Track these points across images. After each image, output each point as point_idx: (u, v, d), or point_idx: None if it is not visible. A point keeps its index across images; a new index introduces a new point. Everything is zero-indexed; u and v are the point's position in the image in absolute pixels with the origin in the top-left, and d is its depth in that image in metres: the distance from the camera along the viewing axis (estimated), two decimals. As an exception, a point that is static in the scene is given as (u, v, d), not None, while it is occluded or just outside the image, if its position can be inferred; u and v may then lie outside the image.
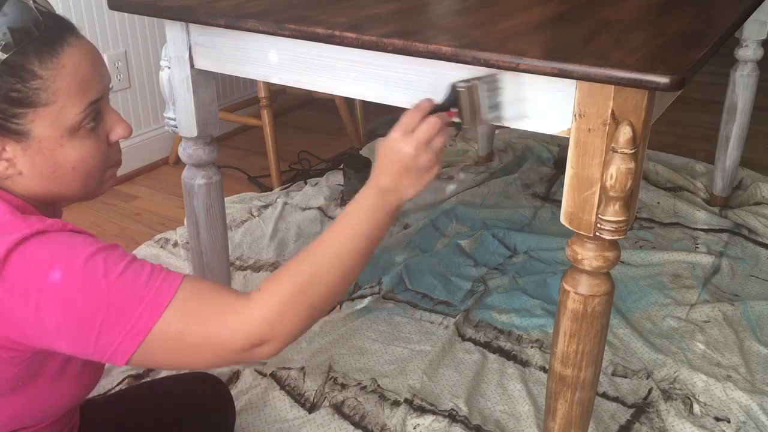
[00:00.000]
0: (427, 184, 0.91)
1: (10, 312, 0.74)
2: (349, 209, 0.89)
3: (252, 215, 2.19)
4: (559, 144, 2.61)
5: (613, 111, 0.88)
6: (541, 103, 0.95)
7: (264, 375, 1.50)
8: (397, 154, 0.88)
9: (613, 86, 0.87)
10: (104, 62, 0.85)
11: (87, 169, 0.85)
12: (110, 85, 0.87)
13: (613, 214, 0.92)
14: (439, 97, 0.95)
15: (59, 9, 2.16)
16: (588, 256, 0.98)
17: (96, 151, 0.85)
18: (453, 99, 0.93)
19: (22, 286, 0.74)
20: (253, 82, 2.93)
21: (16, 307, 0.74)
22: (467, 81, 0.94)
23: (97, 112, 0.84)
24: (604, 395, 1.46)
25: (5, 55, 0.75)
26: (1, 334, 0.76)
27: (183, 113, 1.33)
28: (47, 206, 0.87)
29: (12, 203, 0.81)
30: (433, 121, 0.89)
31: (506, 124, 0.98)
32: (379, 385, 1.48)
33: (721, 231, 2.05)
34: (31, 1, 0.79)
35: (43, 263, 0.74)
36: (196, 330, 0.77)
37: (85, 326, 0.74)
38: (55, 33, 0.79)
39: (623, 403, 1.44)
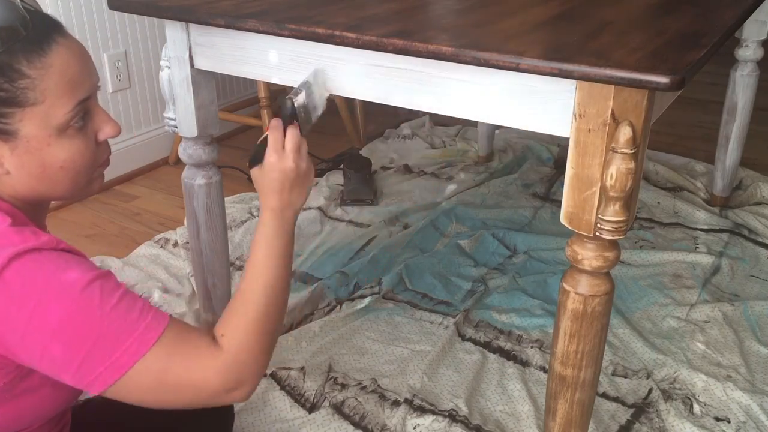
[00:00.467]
0: (310, 188, 1.01)
1: None
2: (255, 241, 0.95)
3: (252, 215, 2.19)
4: (559, 144, 2.61)
5: (613, 111, 0.88)
6: (541, 103, 0.95)
7: (264, 375, 1.49)
8: (281, 173, 0.96)
9: (613, 86, 0.87)
10: (92, 61, 0.85)
11: (75, 168, 0.85)
12: (98, 84, 0.87)
13: (613, 214, 0.92)
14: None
15: (59, 9, 2.16)
16: (588, 256, 0.98)
17: (84, 150, 0.85)
18: (289, 111, 1.00)
19: (16, 304, 0.73)
20: (253, 82, 2.93)
21: (4, 325, 0.74)
22: (295, 90, 1.02)
23: (85, 111, 0.83)
24: (604, 395, 1.46)
25: None
26: None
27: (183, 113, 1.32)
28: (33, 207, 0.87)
29: (1, 209, 0.80)
30: (293, 131, 0.98)
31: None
32: (379, 385, 1.48)
33: (721, 231, 2.05)
34: (18, 0, 0.78)
35: (36, 286, 0.74)
36: (177, 371, 0.79)
37: (70, 352, 0.74)
38: (42, 32, 0.79)
39: (623, 403, 1.44)
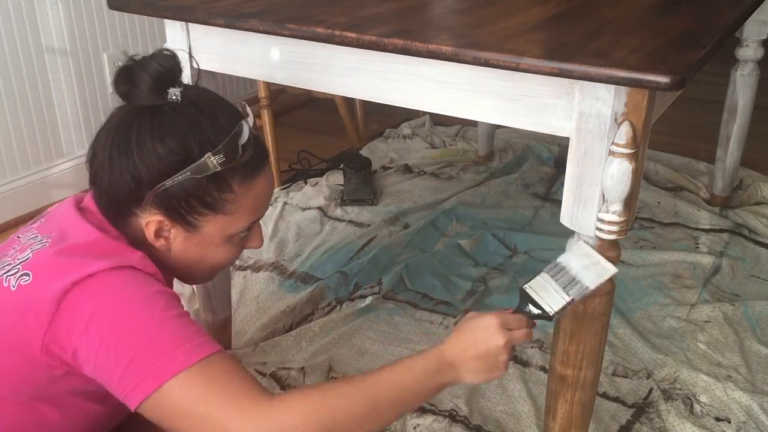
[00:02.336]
0: (480, 381, 0.93)
1: (63, 325, 0.79)
2: (406, 359, 0.89)
3: (252, 215, 2.19)
4: (559, 144, 2.61)
5: (613, 111, 0.88)
6: (541, 103, 0.95)
7: (264, 375, 1.50)
8: (487, 339, 0.90)
9: (613, 86, 0.87)
10: None
11: (220, 267, 0.97)
12: None
13: (613, 214, 0.92)
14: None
15: (59, 9, 2.16)
16: (588, 256, 0.98)
17: (236, 255, 0.97)
18: (527, 300, 0.96)
19: (95, 299, 0.79)
20: (253, 82, 2.92)
21: (74, 317, 0.79)
22: (531, 278, 0.98)
23: (251, 227, 0.96)
24: (605, 395, 1.46)
25: (220, 168, 0.86)
26: (47, 341, 0.79)
27: (183, 113, 1.32)
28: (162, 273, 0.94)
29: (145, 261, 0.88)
30: (528, 332, 0.94)
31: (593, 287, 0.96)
32: (379, 385, 1.48)
33: (721, 231, 2.05)
34: (252, 123, 0.89)
35: (115, 288, 0.80)
36: (211, 402, 0.77)
37: (123, 348, 0.77)
38: (259, 158, 0.91)
39: (623, 403, 1.44)
